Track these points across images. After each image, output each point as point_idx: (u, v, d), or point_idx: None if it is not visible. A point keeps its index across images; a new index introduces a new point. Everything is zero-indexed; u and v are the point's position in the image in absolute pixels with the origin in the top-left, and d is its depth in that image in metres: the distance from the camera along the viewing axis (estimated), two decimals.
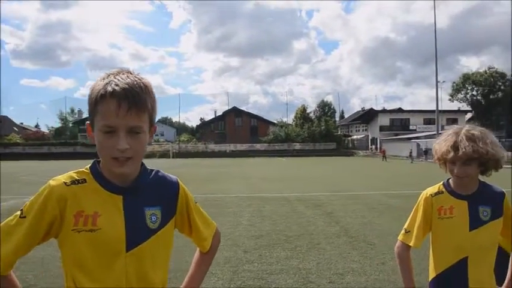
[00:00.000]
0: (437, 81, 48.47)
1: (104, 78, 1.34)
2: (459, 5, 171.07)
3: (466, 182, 2.03)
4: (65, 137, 71.51)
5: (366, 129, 78.39)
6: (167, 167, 28.46)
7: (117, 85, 1.29)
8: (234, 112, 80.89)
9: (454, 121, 71.82)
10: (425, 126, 68.49)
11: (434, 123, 54.06)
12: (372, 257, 5.96)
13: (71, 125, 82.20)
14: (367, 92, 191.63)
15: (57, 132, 76.15)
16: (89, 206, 1.35)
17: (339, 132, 77.78)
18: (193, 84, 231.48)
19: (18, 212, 1.34)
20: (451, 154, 1.96)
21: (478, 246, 2.00)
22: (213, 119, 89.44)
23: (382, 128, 70.87)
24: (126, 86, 1.30)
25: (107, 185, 1.38)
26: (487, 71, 70.98)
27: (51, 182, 1.36)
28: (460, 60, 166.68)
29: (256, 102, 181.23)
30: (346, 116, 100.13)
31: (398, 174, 24.65)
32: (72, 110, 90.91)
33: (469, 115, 75.93)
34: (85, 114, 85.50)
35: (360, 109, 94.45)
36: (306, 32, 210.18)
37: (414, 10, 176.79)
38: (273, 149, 68.40)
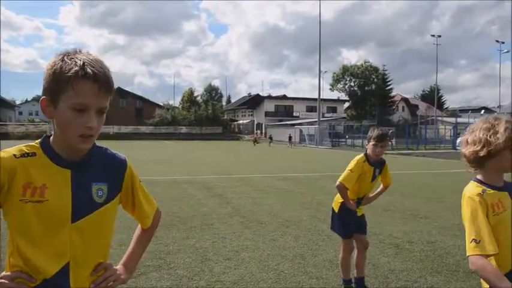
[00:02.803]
0: (320, 71, 51.25)
1: (67, 56, 1.37)
2: (343, 0, 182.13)
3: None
4: None
5: (251, 115, 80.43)
6: None
7: (93, 67, 1.34)
8: (118, 93, 77.40)
9: (333, 109, 76.91)
10: (307, 113, 72.38)
11: (316, 111, 57.27)
12: (264, 235, 6.31)
13: None
14: (254, 78, 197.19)
15: None
16: (37, 178, 1.39)
17: (226, 117, 78.79)
18: None
19: None
20: None
21: None
22: None
23: (267, 114, 73.35)
24: (101, 69, 1.36)
25: (56, 159, 1.43)
26: (363, 65, 76.69)
27: (1, 154, 1.39)
28: (342, 52, 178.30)
29: (141, 83, 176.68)
30: (232, 100, 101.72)
31: (281, 158, 25.84)
32: None
33: (346, 104, 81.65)
34: None
35: (247, 94, 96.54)
36: (196, 14, 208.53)
37: (303, 1, 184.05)
38: (159, 132, 67.18)
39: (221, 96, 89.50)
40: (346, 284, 4.30)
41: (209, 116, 70.81)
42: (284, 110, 75.34)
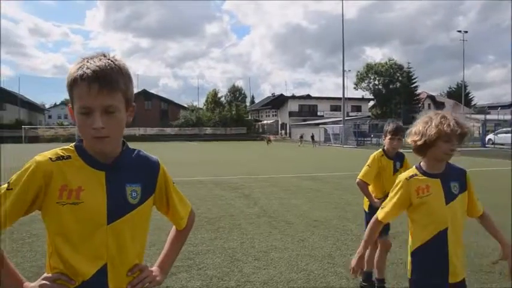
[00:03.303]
0: (344, 70, 50.79)
1: (78, 63, 1.41)
2: None
3: (448, 159, 2.36)
4: None
5: (275, 115, 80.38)
6: None
7: (88, 68, 1.36)
8: (144, 95, 78.38)
9: (358, 108, 76.11)
10: (332, 112, 71.90)
11: (340, 110, 56.86)
12: (292, 235, 6.29)
13: None
14: (277, 78, 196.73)
15: None
16: (73, 180, 1.42)
17: (250, 117, 78.90)
18: None
19: (5, 185, 1.41)
20: (456, 130, 2.22)
21: (454, 217, 2.30)
22: None
23: (291, 114, 73.13)
24: (97, 68, 1.36)
25: (91, 161, 1.46)
26: (388, 63, 75.76)
27: (37, 158, 1.43)
28: (365, 50, 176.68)
29: (166, 85, 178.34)
30: (256, 101, 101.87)
31: (306, 158, 25.72)
32: None
33: (371, 103, 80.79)
34: None
35: (270, 94, 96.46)
36: (219, 16, 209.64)
37: (326, 0, 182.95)
38: (184, 133, 67.69)
39: (245, 96, 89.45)
40: (379, 283, 4.23)
41: (233, 117, 70.98)
42: (308, 109, 74.97)
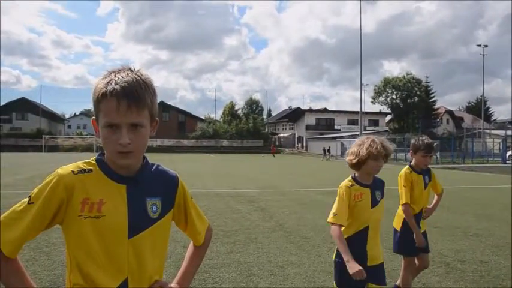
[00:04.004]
0: (361, 84, 50.58)
1: (105, 77, 1.41)
2: (385, 12, 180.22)
3: (375, 173, 3.02)
4: None
5: (292, 128, 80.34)
6: None
7: (117, 84, 1.36)
8: (162, 107, 79.09)
9: (375, 122, 75.67)
10: (349, 126, 71.56)
11: (357, 124, 56.53)
12: (308, 250, 6.23)
13: None
14: (294, 91, 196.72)
15: None
16: (94, 193, 1.41)
17: (266, 130, 79.07)
18: None
19: (26, 199, 1.40)
20: (381, 152, 2.88)
21: (375, 218, 3.01)
22: None
23: (308, 127, 73.08)
24: (126, 84, 1.37)
25: (112, 175, 1.46)
26: (406, 77, 75.30)
27: (59, 171, 1.43)
28: (384, 64, 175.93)
29: (184, 97, 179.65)
30: (273, 114, 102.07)
31: (322, 172, 25.58)
32: None
33: (388, 117, 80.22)
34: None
35: (287, 108, 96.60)
36: (237, 29, 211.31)
37: (344, 13, 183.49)
38: (201, 145, 68.17)
39: (262, 109, 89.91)
40: None
41: (250, 129, 71.25)
42: (325, 123, 74.82)
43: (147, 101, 1.41)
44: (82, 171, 1.44)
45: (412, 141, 4.16)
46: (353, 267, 2.64)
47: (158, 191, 1.54)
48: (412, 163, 4.12)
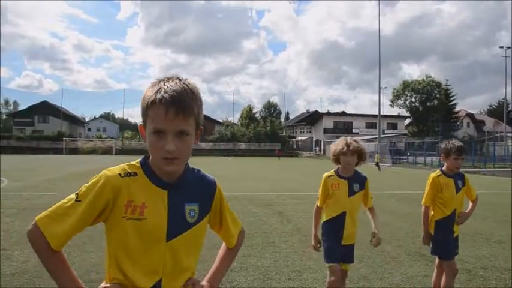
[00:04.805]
0: (380, 87, 50.15)
1: (154, 85, 1.49)
2: (404, 14, 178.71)
3: (350, 167, 3.68)
4: None
5: (310, 131, 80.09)
6: (112, 164, 27.44)
7: (166, 92, 1.43)
8: None
9: (394, 126, 74.95)
10: (367, 129, 70.95)
11: (375, 127, 56.08)
12: None
13: (4, 117, 78.14)
14: (312, 94, 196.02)
15: None
16: (138, 197, 1.49)
17: (284, 133, 78.89)
18: (138, 80, 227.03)
19: (73, 196, 1.49)
20: (345, 149, 3.57)
21: (352, 206, 3.68)
22: None
23: (326, 130, 72.62)
24: (174, 93, 1.44)
25: (155, 180, 1.53)
26: (425, 80, 74.48)
27: (107, 172, 1.51)
28: (403, 67, 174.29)
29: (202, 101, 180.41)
30: (291, 117, 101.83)
31: None
32: (7, 102, 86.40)
33: (407, 120, 79.37)
34: (21, 107, 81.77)
35: (305, 111, 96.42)
36: (255, 32, 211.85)
37: (363, 16, 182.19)
38: (219, 148, 68.35)
39: (279, 112, 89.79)
40: None
41: (268, 133, 71.21)
42: (343, 126, 74.28)
43: (193, 109, 1.48)
44: (128, 174, 1.52)
45: (443, 145, 4.13)
46: (313, 241, 3.90)
47: (197, 196, 1.61)
48: (443, 168, 4.10)
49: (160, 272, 1.50)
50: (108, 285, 1.50)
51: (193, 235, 1.57)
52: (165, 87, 1.45)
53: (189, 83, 1.50)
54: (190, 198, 1.58)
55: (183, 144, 1.46)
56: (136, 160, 1.57)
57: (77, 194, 1.48)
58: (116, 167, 1.53)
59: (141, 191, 1.50)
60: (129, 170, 1.52)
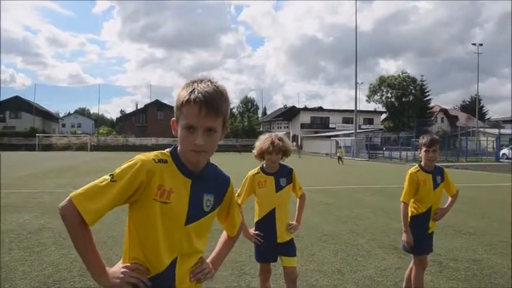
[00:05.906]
0: (356, 82, 50.74)
1: (188, 86, 1.66)
2: (381, 10, 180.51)
3: (275, 165, 3.63)
4: None
5: (287, 126, 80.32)
6: (87, 160, 27.43)
7: (199, 93, 1.61)
8: (157, 105, 78.97)
9: (370, 121, 75.79)
10: (344, 124, 71.61)
11: (352, 123, 56.66)
12: (301, 249, 6.20)
13: None
14: (290, 90, 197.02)
15: None
16: (167, 182, 1.66)
17: (262, 129, 78.95)
18: (114, 75, 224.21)
19: (108, 176, 1.62)
20: (271, 148, 3.51)
21: (281, 201, 3.64)
22: (134, 111, 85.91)
23: (303, 126, 73.03)
24: (207, 94, 1.61)
25: (182, 168, 1.71)
26: (401, 75, 75.54)
27: (142, 157, 1.67)
28: (380, 63, 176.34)
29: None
30: (268, 112, 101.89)
31: (316, 170, 25.60)
32: None
33: (383, 116, 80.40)
34: None
35: (283, 106, 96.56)
36: (234, 27, 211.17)
37: (341, 12, 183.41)
38: None
39: (257, 108, 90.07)
40: None
41: (245, 128, 71.19)
42: (320, 121, 74.80)
43: (222, 109, 1.66)
44: (161, 160, 1.68)
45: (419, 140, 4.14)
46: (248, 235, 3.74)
47: (214, 189, 1.82)
48: (422, 162, 4.10)
49: (176, 252, 1.69)
50: (129, 264, 1.65)
51: (205, 222, 1.77)
52: (199, 88, 1.62)
53: (219, 85, 1.69)
54: (208, 190, 1.78)
55: (211, 139, 1.65)
56: (166, 150, 1.74)
57: (111, 175, 1.61)
58: (150, 153, 1.70)
59: (169, 177, 1.66)
60: (161, 157, 1.69)
